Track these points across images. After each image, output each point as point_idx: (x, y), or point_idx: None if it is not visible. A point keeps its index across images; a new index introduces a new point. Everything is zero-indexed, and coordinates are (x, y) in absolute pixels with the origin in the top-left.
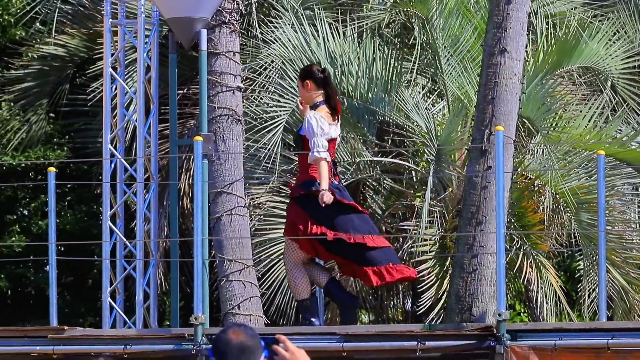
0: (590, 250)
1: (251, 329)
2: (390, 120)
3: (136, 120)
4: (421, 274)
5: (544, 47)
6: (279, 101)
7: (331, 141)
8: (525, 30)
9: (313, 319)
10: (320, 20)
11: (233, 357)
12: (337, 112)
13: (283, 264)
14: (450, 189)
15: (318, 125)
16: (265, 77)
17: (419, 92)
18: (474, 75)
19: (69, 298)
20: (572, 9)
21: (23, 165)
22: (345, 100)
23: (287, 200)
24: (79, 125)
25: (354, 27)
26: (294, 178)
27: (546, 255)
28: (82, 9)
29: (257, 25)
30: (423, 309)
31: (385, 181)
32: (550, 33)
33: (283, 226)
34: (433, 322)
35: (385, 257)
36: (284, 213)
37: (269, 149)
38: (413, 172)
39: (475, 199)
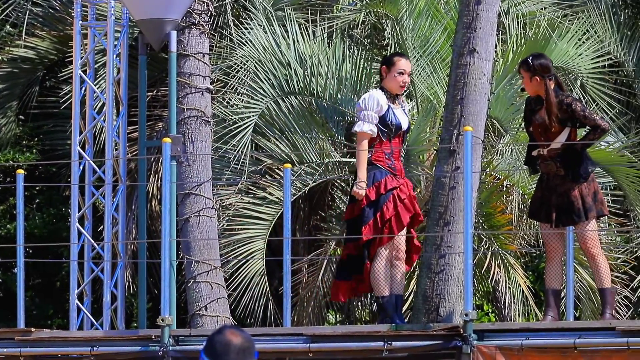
0: None
1: (243, 330)
2: None
3: (105, 122)
4: None
5: (513, 47)
6: (248, 102)
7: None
8: (495, 30)
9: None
10: (291, 21)
11: (234, 358)
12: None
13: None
14: (418, 190)
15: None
16: (236, 79)
17: None
18: (443, 75)
19: (38, 300)
20: (542, 9)
21: None
22: (314, 101)
23: (256, 201)
24: (48, 127)
25: (324, 28)
26: (263, 179)
27: (514, 255)
28: (52, 11)
29: (228, 27)
30: None
31: (353, 182)
32: (520, 33)
33: (251, 227)
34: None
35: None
36: (253, 214)
37: (238, 150)
38: None
39: (443, 200)
